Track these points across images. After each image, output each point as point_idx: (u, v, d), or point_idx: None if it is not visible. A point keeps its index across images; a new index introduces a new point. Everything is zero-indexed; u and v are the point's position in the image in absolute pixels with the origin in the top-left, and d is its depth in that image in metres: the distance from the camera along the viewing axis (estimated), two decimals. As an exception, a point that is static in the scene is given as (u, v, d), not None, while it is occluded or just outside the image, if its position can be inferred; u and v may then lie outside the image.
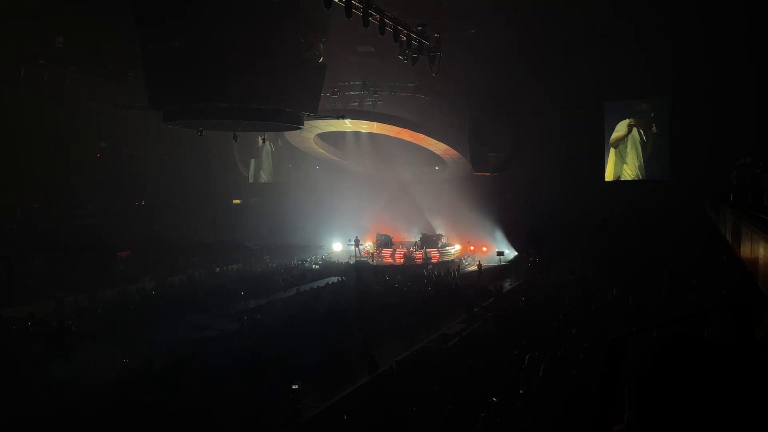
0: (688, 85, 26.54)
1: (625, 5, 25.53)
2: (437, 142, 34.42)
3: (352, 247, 37.32)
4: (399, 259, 36.60)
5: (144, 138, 32.80)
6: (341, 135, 38.16)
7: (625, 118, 31.02)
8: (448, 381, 12.23)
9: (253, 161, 44.37)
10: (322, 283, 28.46)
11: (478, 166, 33.61)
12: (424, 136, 34.14)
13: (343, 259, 37.03)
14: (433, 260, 35.68)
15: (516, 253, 33.95)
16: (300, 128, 30.39)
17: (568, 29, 26.66)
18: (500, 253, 33.72)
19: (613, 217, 26.52)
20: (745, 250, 8.94)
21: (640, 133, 30.69)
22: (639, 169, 30.84)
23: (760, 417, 1.02)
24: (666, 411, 1.05)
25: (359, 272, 30.99)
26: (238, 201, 42.08)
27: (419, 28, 19.22)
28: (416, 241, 38.04)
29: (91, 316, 22.05)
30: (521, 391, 9.83)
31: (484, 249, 36.46)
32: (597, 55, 26.71)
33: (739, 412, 1.02)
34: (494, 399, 10.13)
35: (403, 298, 23.35)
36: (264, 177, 45.00)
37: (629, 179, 30.84)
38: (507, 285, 25.97)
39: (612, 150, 31.36)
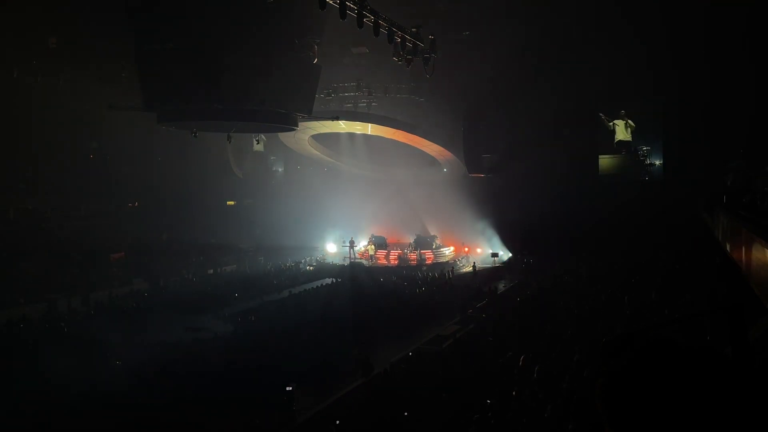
0: (683, 87, 26.64)
1: (620, 9, 25.61)
2: (432, 143, 34.40)
3: (347, 249, 37.24)
4: (393, 261, 36.50)
5: (137, 139, 32.66)
6: (336, 136, 38.09)
7: (619, 119, 31.12)
8: (443, 383, 12.22)
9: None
10: (316, 284, 28.38)
11: (473, 168, 33.62)
12: (418, 137, 34.11)
13: (338, 261, 36.94)
14: (428, 262, 35.64)
15: (510, 255, 33.98)
16: (294, 130, 30.35)
17: (563, 32, 26.74)
18: (494, 255, 33.72)
19: (607, 218, 26.57)
20: (739, 252, 8.98)
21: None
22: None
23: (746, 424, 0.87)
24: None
25: (354, 274, 30.92)
26: (232, 202, 41.91)
27: (414, 29, 19.21)
28: (411, 243, 37.98)
29: (84, 318, 21.93)
30: (515, 393, 9.83)
31: (478, 250, 36.44)
32: (591, 57, 26.80)
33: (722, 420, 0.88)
34: (488, 401, 10.13)
35: (398, 300, 23.33)
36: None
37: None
38: (501, 286, 25.97)
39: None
